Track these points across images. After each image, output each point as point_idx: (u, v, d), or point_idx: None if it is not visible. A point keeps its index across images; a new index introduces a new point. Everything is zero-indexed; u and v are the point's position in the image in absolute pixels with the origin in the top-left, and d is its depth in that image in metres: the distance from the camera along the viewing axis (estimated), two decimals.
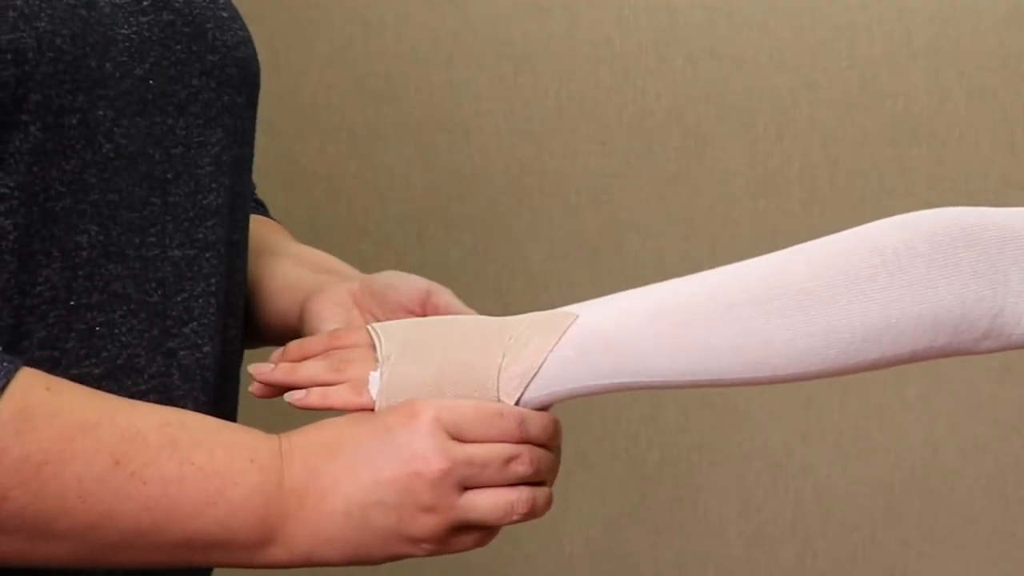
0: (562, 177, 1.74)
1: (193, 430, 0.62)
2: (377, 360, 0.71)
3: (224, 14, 0.76)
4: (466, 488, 0.65)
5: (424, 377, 0.70)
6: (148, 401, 0.68)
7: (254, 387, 0.75)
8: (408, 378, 0.70)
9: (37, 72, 0.60)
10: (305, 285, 0.84)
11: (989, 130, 1.68)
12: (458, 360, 0.71)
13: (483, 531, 0.68)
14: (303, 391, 0.72)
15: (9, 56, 0.59)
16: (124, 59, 0.67)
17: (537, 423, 0.68)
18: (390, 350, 0.71)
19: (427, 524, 0.65)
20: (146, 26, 0.69)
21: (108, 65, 0.65)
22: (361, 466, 0.64)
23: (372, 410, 0.70)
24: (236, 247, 0.76)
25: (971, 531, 1.76)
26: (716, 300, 0.71)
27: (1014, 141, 1.69)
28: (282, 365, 0.74)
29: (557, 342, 0.71)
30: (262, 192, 0.99)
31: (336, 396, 0.71)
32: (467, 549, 0.68)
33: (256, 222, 0.86)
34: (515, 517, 0.67)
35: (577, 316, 0.71)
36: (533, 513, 0.68)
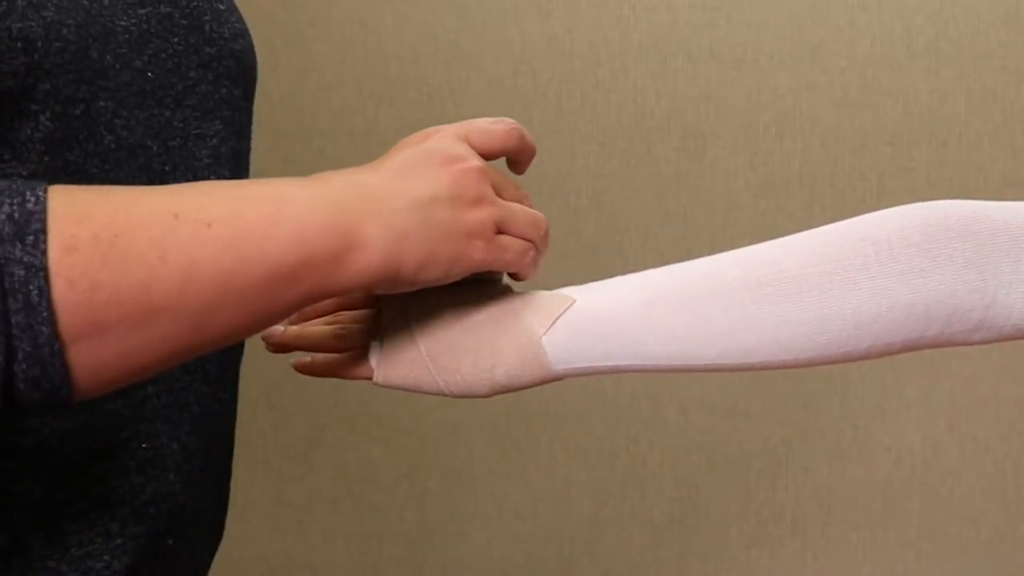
0: (562, 177, 1.74)
1: (225, 183, 0.63)
2: (380, 326, 0.74)
3: (221, 6, 0.77)
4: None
5: (422, 347, 0.73)
6: (150, 394, 0.69)
7: (266, 346, 0.77)
8: (405, 348, 0.73)
9: (45, 61, 0.61)
10: None
11: (989, 130, 1.68)
12: (457, 333, 0.73)
13: (523, 243, 0.70)
14: (309, 358, 0.76)
15: (19, 44, 0.60)
16: (124, 51, 0.67)
17: (527, 136, 0.74)
18: (391, 318, 0.73)
19: (478, 216, 0.67)
20: (144, 18, 0.70)
21: (109, 57, 0.66)
22: (408, 174, 0.65)
23: (371, 379, 0.74)
24: None
25: (971, 531, 1.76)
26: (710, 286, 0.72)
27: (1014, 141, 1.69)
28: (291, 329, 0.77)
29: (551, 325, 0.72)
30: None
31: (339, 367, 0.75)
32: (514, 260, 0.70)
33: None
34: (544, 224, 0.71)
35: (574, 300, 0.73)
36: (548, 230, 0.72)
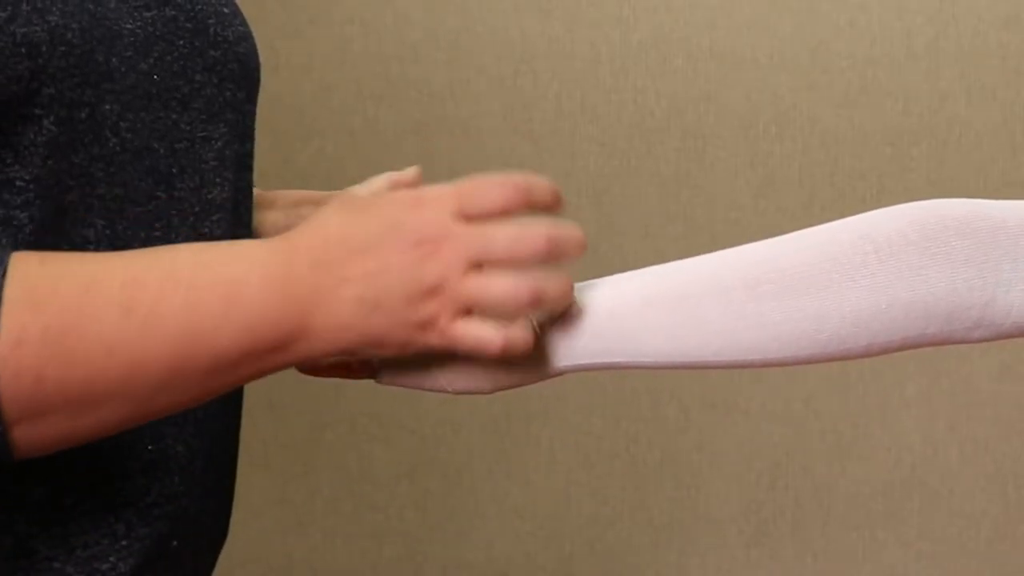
0: (562, 177, 1.74)
1: (185, 257, 0.62)
2: None
3: (225, 10, 0.77)
4: (476, 268, 0.64)
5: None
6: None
7: None
8: None
9: (50, 65, 0.61)
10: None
11: (989, 130, 1.68)
12: None
13: (496, 325, 0.65)
14: None
15: (23, 49, 0.59)
16: (129, 54, 0.67)
17: (538, 185, 0.66)
18: None
19: (430, 308, 0.63)
20: (150, 21, 0.70)
21: (114, 60, 0.66)
22: (371, 255, 0.63)
23: (375, 378, 0.74)
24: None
25: (971, 531, 1.76)
26: (709, 284, 0.72)
27: (1014, 141, 1.69)
28: None
29: (551, 322, 0.72)
30: None
31: (342, 367, 0.75)
32: (478, 344, 0.64)
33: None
34: (523, 299, 0.64)
35: (572, 299, 0.73)
36: (541, 297, 0.64)
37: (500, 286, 0.63)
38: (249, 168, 0.79)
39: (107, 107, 0.65)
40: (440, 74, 1.75)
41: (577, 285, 0.75)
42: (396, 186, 0.83)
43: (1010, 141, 1.68)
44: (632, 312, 0.72)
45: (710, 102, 1.72)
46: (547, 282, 0.64)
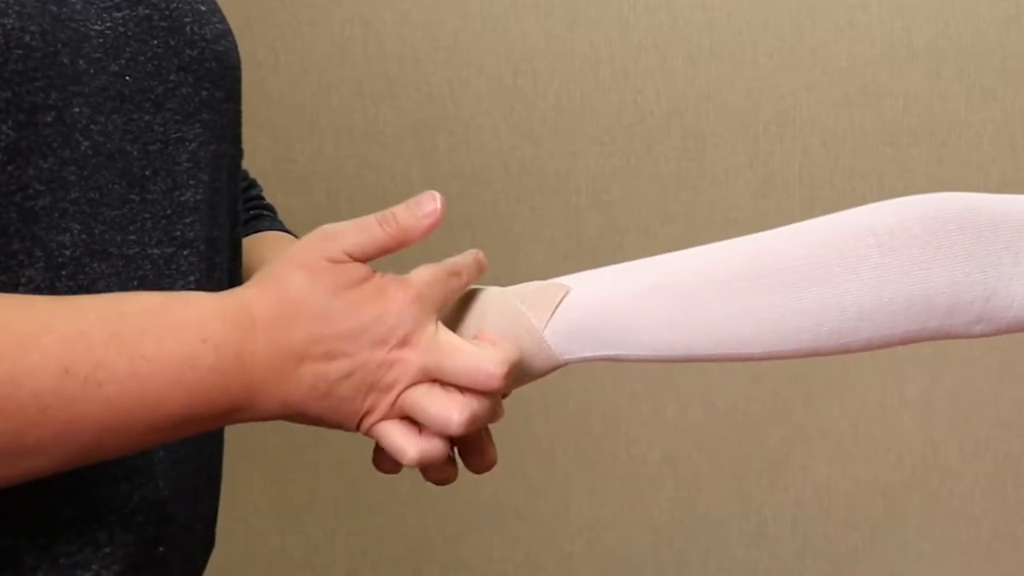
0: (562, 177, 1.74)
1: (135, 318, 0.60)
2: None
3: (202, 7, 0.75)
4: (427, 379, 0.67)
5: None
6: None
7: None
8: None
9: (5, 69, 0.60)
10: None
11: (989, 130, 1.68)
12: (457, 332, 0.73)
13: (415, 437, 0.67)
14: None
15: None
16: (98, 55, 0.66)
17: (474, 263, 0.72)
18: None
19: (372, 402, 0.66)
20: (120, 21, 0.69)
21: (81, 62, 0.65)
22: (334, 346, 0.64)
23: None
24: (215, 244, 0.75)
25: (971, 531, 1.76)
26: (709, 276, 0.72)
27: (1014, 141, 1.69)
28: None
29: (550, 318, 0.72)
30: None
31: None
32: (393, 451, 0.67)
33: (267, 241, 0.85)
34: (452, 430, 0.66)
35: (569, 289, 0.72)
36: (471, 428, 0.67)
37: (437, 410, 0.65)
38: (228, 168, 0.78)
39: (76, 110, 0.64)
40: (440, 74, 1.75)
41: (572, 276, 0.75)
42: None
43: (1010, 141, 1.68)
44: (633, 304, 0.72)
45: (710, 102, 1.72)
46: (482, 414, 0.67)
